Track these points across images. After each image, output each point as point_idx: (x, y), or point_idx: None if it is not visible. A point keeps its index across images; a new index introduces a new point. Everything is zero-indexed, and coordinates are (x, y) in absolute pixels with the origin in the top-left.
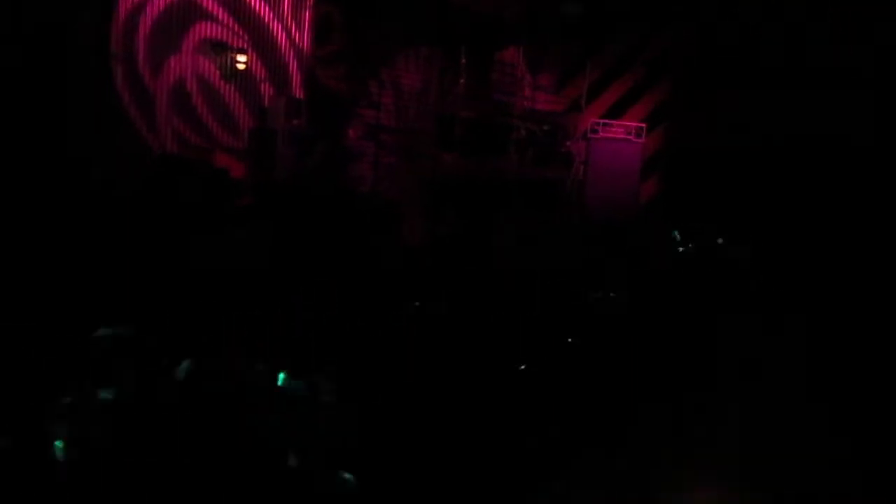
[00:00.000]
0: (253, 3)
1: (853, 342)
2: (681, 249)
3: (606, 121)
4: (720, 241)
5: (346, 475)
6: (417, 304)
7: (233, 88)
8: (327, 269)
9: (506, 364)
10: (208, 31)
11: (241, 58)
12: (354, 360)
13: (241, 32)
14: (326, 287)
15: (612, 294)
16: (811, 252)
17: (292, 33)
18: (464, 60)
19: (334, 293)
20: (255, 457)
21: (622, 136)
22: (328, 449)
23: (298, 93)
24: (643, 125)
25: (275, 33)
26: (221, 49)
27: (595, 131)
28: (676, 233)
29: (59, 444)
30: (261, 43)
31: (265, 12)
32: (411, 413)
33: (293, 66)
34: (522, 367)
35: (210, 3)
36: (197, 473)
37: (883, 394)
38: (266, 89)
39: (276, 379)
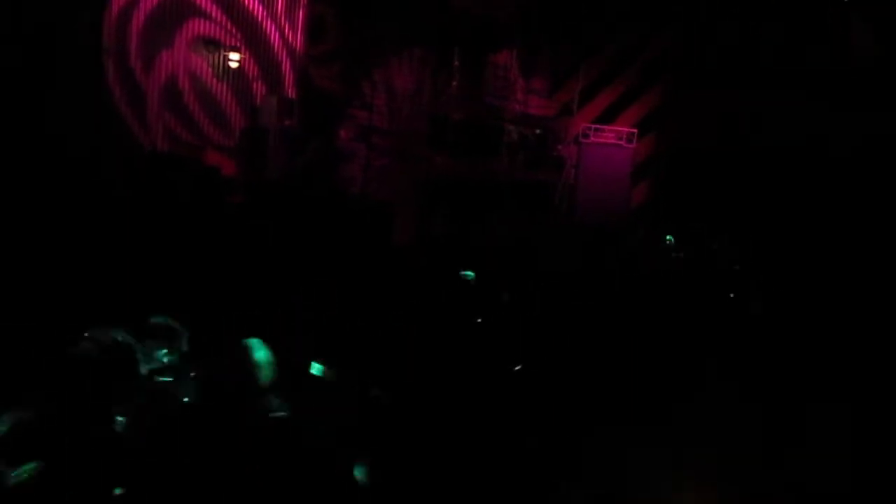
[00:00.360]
0: (247, 2)
1: (850, 348)
2: (674, 255)
3: (598, 125)
4: (715, 246)
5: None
6: (412, 302)
7: (225, 86)
8: (319, 267)
9: (500, 362)
10: (201, 28)
11: (234, 56)
12: (352, 356)
13: (234, 31)
14: (320, 285)
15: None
16: (806, 255)
17: (286, 32)
18: (457, 63)
19: (329, 291)
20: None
21: (613, 140)
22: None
23: (291, 92)
24: (634, 130)
25: (268, 32)
26: (214, 47)
27: (586, 136)
28: (671, 238)
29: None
30: (254, 41)
31: (259, 11)
32: (415, 403)
33: (286, 65)
34: (517, 367)
35: (203, 0)
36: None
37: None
38: (258, 88)
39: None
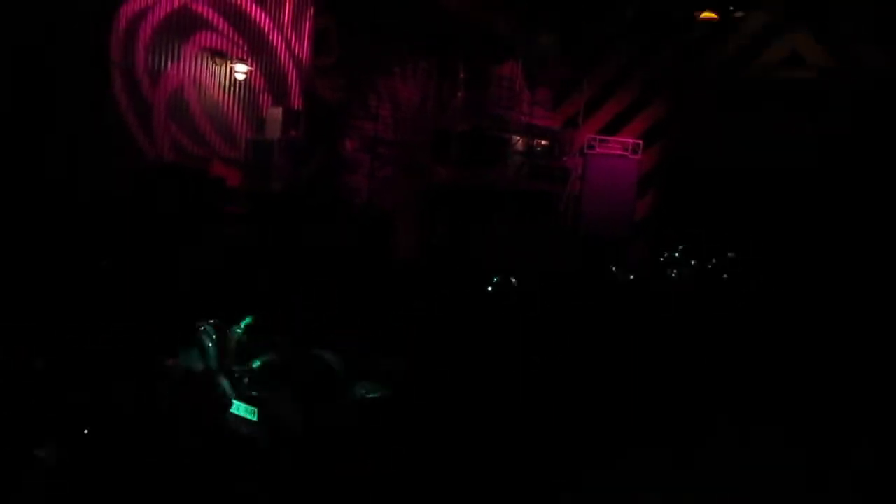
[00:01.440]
0: (253, 14)
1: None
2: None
3: (603, 137)
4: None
5: None
6: (417, 306)
7: (231, 98)
8: (322, 272)
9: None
10: (208, 40)
11: (241, 68)
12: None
13: (240, 43)
14: (321, 287)
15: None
16: (803, 267)
17: (292, 44)
18: (462, 74)
19: (330, 293)
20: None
21: (619, 152)
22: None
23: (297, 103)
24: (639, 142)
25: (274, 44)
26: (221, 59)
27: (592, 147)
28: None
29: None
30: (260, 53)
31: (265, 23)
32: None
33: (292, 76)
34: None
35: (210, 13)
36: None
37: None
38: (265, 99)
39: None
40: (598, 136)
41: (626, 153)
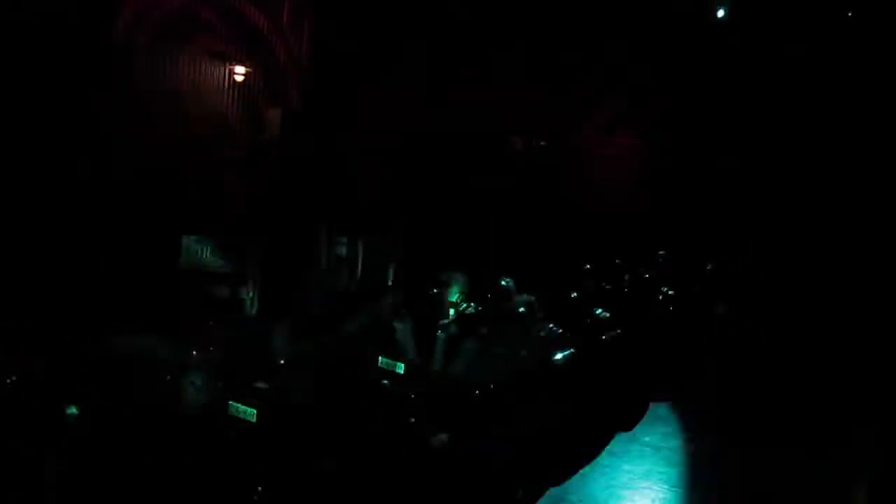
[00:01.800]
0: (252, 16)
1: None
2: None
3: (603, 137)
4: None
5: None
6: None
7: (230, 99)
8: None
9: None
10: (207, 42)
11: (240, 69)
12: None
13: (240, 44)
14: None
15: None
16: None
17: (291, 45)
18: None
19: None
20: None
21: (616, 152)
22: None
23: (296, 105)
24: (638, 142)
25: (274, 45)
26: (220, 60)
27: (590, 147)
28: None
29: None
30: (259, 55)
31: (264, 24)
32: None
33: (292, 77)
34: None
35: (209, 14)
36: None
37: None
38: (264, 101)
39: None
40: (598, 136)
41: (624, 153)
